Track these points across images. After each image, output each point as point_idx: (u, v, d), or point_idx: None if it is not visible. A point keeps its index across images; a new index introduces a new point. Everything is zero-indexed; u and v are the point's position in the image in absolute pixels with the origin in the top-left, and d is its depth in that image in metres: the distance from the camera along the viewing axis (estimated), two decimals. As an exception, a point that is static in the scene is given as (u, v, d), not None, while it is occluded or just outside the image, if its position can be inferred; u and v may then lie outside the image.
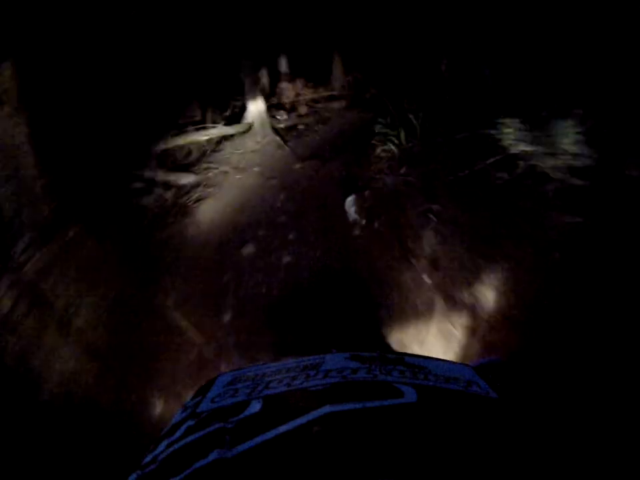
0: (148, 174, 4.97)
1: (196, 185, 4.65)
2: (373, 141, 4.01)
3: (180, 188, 4.60)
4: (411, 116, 3.54)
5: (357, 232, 3.16)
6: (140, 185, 4.78)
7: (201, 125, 6.08)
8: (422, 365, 0.57)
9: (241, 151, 5.44)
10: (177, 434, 0.47)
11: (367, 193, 3.27)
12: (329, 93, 7.23)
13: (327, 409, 0.44)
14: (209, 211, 3.95)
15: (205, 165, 5.14)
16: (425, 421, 0.43)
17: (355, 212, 3.25)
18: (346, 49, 7.14)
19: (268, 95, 7.10)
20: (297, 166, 4.95)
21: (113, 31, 5.90)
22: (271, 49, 7.11)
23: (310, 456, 0.38)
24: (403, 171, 3.34)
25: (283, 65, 7.25)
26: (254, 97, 6.01)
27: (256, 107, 6.02)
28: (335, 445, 0.40)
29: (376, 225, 3.09)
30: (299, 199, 3.89)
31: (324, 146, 5.71)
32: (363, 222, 3.16)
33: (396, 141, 3.63)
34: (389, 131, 3.73)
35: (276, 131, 6.12)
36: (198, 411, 0.52)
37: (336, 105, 7.11)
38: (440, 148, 3.22)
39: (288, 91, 7.25)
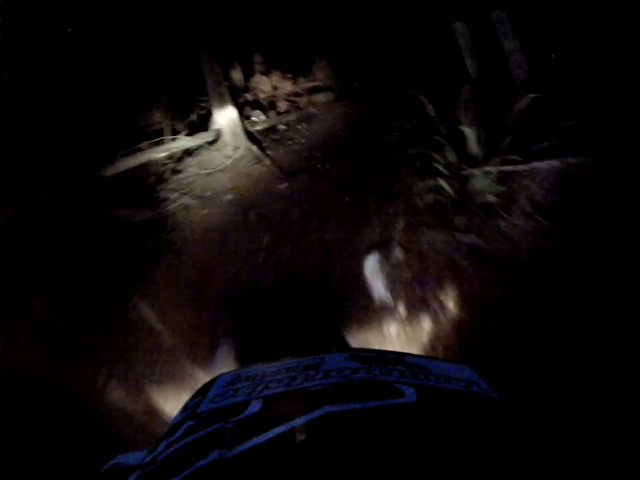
0: (90, 211, 3.84)
1: (149, 226, 3.49)
2: (402, 167, 2.66)
3: (128, 232, 3.43)
4: (465, 128, 2.22)
5: (389, 327, 1.90)
6: (76, 231, 3.64)
7: (159, 138, 4.86)
8: (422, 365, 0.54)
9: (208, 170, 4.26)
10: (177, 434, 0.45)
11: (398, 251, 2.05)
12: (312, 84, 6.01)
13: (326, 408, 0.42)
14: (162, 278, 2.74)
15: (163, 194, 3.98)
16: (425, 421, 0.41)
17: (383, 286, 2.00)
18: (330, 29, 5.93)
19: (241, 91, 5.92)
20: (282, 186, 3.81)
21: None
22: (244, 36, 5.90)
23: (310, 456, 0.37)
24: (459, 222, 2.06)
25: (257, 55, 5.99)
26: (221, 98, 4.80)
27: (224, 110, 4.81)
28: (334, 445, 0.38)
29: (421, 319, 1.85)
30: (289, 247, 2.71)
31: (313, 153, 4.60)
32: (399, 309, 1.92)
33: (439, 167, 2.34)
34: (422, 149, 2.44)
35: (251, 136, 4.94)
36: (198, 411, 0.49)
37: (321, 97, 5.94)
38: (521, 184, 1.98)
39: (264, 84, 6.03)
